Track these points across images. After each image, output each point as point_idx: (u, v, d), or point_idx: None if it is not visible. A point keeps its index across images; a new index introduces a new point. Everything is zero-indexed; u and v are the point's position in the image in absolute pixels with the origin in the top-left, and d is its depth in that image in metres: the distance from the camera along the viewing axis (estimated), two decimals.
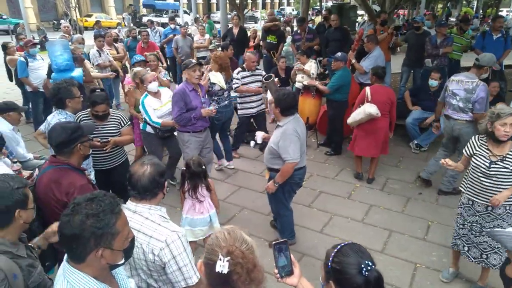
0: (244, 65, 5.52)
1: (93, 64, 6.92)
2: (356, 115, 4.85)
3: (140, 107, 4.34)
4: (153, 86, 4.31)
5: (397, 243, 3.83)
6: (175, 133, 4.50)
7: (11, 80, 7.36)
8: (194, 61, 4.23)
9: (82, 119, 3.58)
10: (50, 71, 5.73)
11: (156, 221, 1.89)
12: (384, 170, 5.39)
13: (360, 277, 1.34)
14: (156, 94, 4.38)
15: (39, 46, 6.92)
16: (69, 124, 2.45)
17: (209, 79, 4.93)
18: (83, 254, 1.33)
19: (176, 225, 1.94)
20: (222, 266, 1.24)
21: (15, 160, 3.74)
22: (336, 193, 4.78)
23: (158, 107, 4.35)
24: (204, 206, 3.36)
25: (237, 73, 5.48)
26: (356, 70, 6.32)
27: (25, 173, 3.48)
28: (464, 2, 35.47)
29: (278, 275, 1.56)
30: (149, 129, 4.49)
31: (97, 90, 3.65)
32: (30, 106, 6.94)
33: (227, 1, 11.08)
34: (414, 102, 6.11)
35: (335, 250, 1.45)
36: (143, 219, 1.89)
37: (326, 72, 7.45)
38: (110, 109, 3.70)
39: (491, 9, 33.19)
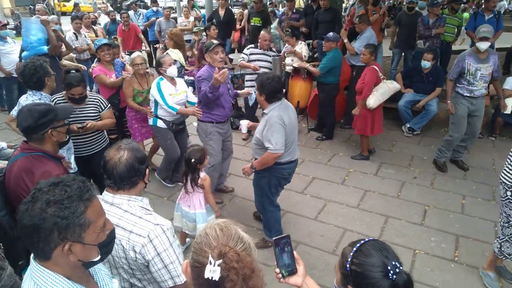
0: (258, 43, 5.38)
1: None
2: (381, 96, 4.75)
3: (154, 90, 3.88)
4: (172, 70, 3.90)
5: (394, 229, 3.69)
6: (195, 124, 4.06)
7: None
8: (215, 41, 3.73)
9: (58, 102, 3.29)
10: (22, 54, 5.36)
11: (137, 214, 1.64)
12: (378, 155, 5.24)
13: (387, 281, 1.12)
14: (172, 81, 3.99)
15: (14, 32, 6.53)
16: (38, 107, 2.13)
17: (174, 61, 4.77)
18: (47, 250, 1.09)
19: (161, 217, 1.70)
20: (213, 271, 0.97)
21: None
22: (330, 179, 4.60)
23: (173, 94, 3.95)
24: (192, 201, 3.16)
25: (247, 49, 5.38)
26: (347, 52, 6.09)
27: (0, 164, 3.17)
28: None
29: (280, 274, 1.32)
30: (160, 123, 4.05)
31: (72, 71, 3.34)
32: (4, 92, 6.54)
33: None
34: (406, 84, 5.95)
35: (354, 249, 1.21)
36: (121, 211, 1.65)
37: (315, 55, 7.22)
38: (88, 92, 3.42)
39: None
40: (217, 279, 0.97)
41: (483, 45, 4.13)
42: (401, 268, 1.14)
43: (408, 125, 5.84)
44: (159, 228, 1.61)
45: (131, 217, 1.63)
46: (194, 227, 3.19)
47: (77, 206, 1.10)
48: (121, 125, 4.51)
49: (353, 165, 4.97)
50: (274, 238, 1.33)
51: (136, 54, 4.30)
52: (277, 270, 1.33)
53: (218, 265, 0.98)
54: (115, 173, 1.64)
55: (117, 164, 1.64)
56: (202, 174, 3.15)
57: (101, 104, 3.45)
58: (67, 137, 2.31)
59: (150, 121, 4.10)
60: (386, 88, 4.77)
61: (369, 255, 1.18)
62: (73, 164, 3.25)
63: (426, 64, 5.57)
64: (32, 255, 1.16)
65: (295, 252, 1.35)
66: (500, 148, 5.37)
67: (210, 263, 0.98)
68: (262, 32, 5.42)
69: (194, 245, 1.07)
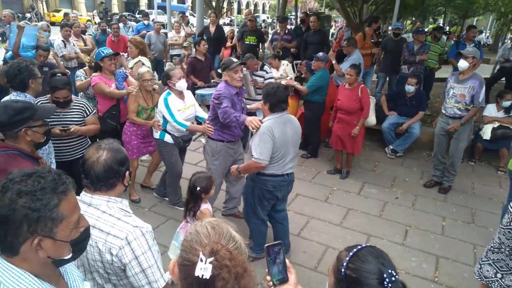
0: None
1: (57, 55, 6.44)
2: (373, 114, 5.23)
3: (161, 106, 3.67)
4: (182, 84, 3.71)
5: None
6: (202, 140, 3.88)
7: None
8: (235, 60, 3.54)
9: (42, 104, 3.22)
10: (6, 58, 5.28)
11: (115, 215, 1.59)
12: (361, 175, 5.28)
13: None
14: (180, 95, 3.79)
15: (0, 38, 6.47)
16: (15, 104, 2.08)
17: (143, 63, 4.88)
18: (15, 244, 1.02)
19: (140, 220, 1.65)
20: (204, 269, 0.93)
21: None
22: (313, 196, 4.60)
23: (182, 108, 3.75)
24: None
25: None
26: (334, 72, 6.22)
27: None
28: (431, 20, 36.99)
29: (271, 283, 1.28)
30: (167, 138, 3.81)
31: (58, 74, 3.29)
32: None
33: (204, 2, 10.84)
34: (390, 107, 6.08)
35: (350, 253, 1.18)
36: (99, 212, 1.59)
37: (302, 75, 7.33)
38: (73, 96, 3.36)
39: (455, 27, 34.76)
40: (208, 277, 0.93)
41: (462, 64, 4.30)
42: (397, 277, 1.11)
43: (391, 147, 5.93)
44: (138, 231, 1.56)
45: (109, 218, 1.58)
46: None
47: (50, 198, 1.04)
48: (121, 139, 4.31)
49: (337, 184, 4.99)
50: (266, 245, 1.29)
51: (145, 69, 4.11)
52: (268, 278, 1.29)
53: (210, 262, 0.93)
54: (92, 173, 1.59)
55: (95, 164, 1.59)
56: (204, 206, 2.85)
57: (86, 109, 3.39)
58: (45, 138, 2.25)
59: (157, 135, 3.86)
60: (372, 104, 4.99)
61: (366, 261, 1.15)
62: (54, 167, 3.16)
63: (410, 88, 5.72)
64: None
65: (287, 261, 1.31)
66: (479, 173, 5.49)
67: (201, 261, 0.93)
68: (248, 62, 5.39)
69: (184, 243, 1.02)
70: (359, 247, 1.20)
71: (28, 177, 1.06)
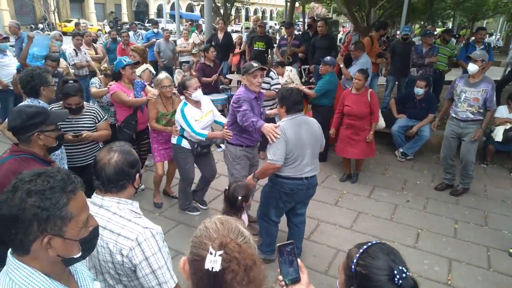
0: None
1: (69, 64, 6.58)
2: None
3: (179, 116, 3.68)
4: (198, 94, 3.68)
5: None
6: (223, 147, 3.81)
7: None
8: (255, 64, 3.46)
9: None
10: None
11: (126, 217, 1.61)
12: (371, 178, 5.25)
13: (392, 285, 1.09)
14: (196, 104, 3.76)
15: (14, 49, 6.66)
16: (29, 109, 2.13)
17: (150, 71, 5.05)
18: (26, 242, 1.04)
19: (150, 221, 1.67)
20: (214, 261, 0.94)
21: None
22: (323, 200, 4.58)
23: (199, 118, 3.72)
24: None
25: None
26: (342, 77, 6.22)
27: None
28: (440, 23, 36.78)
29: (283, 282, 1.28)
30: (184, 143, 3.81)
31: (70, 81, 3.36)
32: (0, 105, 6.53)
33: (212, 10, 10.97)
34: (399, 110, 6.05)
35: (361, 250, 1.18)
36: (110, 214, 1.61)
37: (311, 80, 7.35)
38: (85, 103, 3.42)
39: (465, 30, 34.52)
40: (217, 270, 0.94)
41: (471, 67, 4.26)
42: (407, 273, 1.11)
43: (401, 150, 5.89)
44: (148, 232, 1.58)
45: (119, 219, 1.60)
46: None
47: (59, 197, 1.06)
48: (139, 148, 4.38)
49: (346, 187, 4.96)
50: (278, 245, 1.30)
51: (164, 75, 4.06)
52: (280, 277, 1.29)
53: (219, 255, 0.95)
54: (103, 175, 1.62)
55: (106, 166, 1.62)
56: (244, 217, 2.79)
57: (97, 115, 3.44)
58: (57, 142, 2.29)
59: (174, 140, 3.85)
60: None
61: (376, 257, 1.15)
62: None
63: (419, 91, 5.69)
64: (9, 250, 1.11)
65: (299, 260, 1.31)
66: (492, 175, 5.42)
67: (211, 254, 0.95)
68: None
69: (193, 239, 1.03)
70: (369, 244, 1.20)
71: (37, 176, 1.08)
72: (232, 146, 3.65)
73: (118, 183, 1.64)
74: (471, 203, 4.63)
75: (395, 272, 1.10)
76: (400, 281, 1.09)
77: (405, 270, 1.11)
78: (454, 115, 4.57)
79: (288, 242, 1.30)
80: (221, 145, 3.76)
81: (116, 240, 1.56)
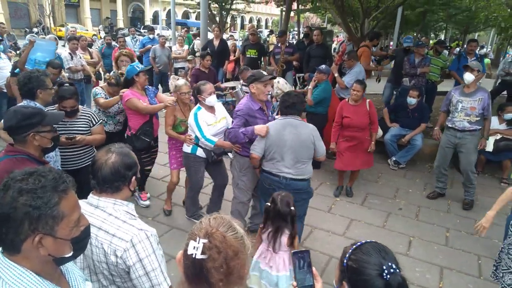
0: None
1: (64, 67, 6.56)
2: None
3: (191, 120, 3.60)
4: (212, 99, 3.61)
5: None
6: (231, 156, 3.72)
7: None
8: (266, 73, 3.44)
9: None
10: (14, 69, 5.38)
11: (121, 218, 1.62)
12: (364, 186, 5.28)
13: (380, 280, 1.12)
14: (210, 109, 3.69)
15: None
16: (24, 109, 2.13)
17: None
18: (17, 242, 1.04)
19: (145, 223, 1.68)
20: (196, 248, 1.00)
21: None
22: (316, 207, 4.59)
23: (213, 123, 3.65)
24: (276, 262, 2.65)
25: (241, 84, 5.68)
26: (336, 85, 6.28)
27: None
28: (432, 35, 37.37)
29: None
30: (199, 152, 3.71)
31: (66, 84, 3.36)
32: None
33: (208, 18, 11.04)
34: (392, 119, 6.12)
35: (354, 246, 1.24)
36: (106, 215, 1.62)
37: (306, 88, 7.41)
38: (80, 106, 3.42)
39: (456, 42, 35.15)
40: (198, 256, 0.99)
41: (468, 77, 4.35)
42: (397, 270, 1.14)
43: (394, 158, 5.94)
44: (143, 234, 1.58)
45: (115, 220, 1.61)
46: None
47: (51, 196, 1.07)
48: (150, 155, 4.33)
49: (340, 194, 4.98)
50: (293, 251, 1.34)
51: (182, 81, 3.98)
52: (294, 283, 1.30)
53: (203, 243, 1.01)
54: (99, 175, 1.63)
55: (103, 166, 1.63)
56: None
57: (92, 119, 3.44)
58: (52, 143, 2.29)
59: (188, 149, 3.75)
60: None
61: (367, 253, 1.19)
62: None
63: (412, 100, 5.76)
64: (0, 249, 1.11)
65: (313, 268, 1.32)
66: (483, 185, 5.47)
67: (194, 241, 1.01)
68: (240, 73, 5.55)
69: (188, 233, 1.09)
70: (363, 242, 1.24)
71: (29, 175, 1.08)
72: (241, 157, 3.60)
73: (113, 184, 1.64)
74: (462, 212, 4.68)
75: (384, 267, 1.13)
76: (388, 276, 1.12)
77: (394, 267, 1.14)
78: (450, 125, 4.60)
79: (303, 249, 1.34)
80: (229, 154, 3.70)
81: (110, 241, 1.56)
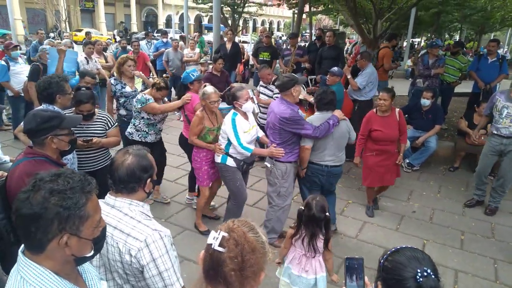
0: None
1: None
2: None
3: (228, 127, 3.47)
4: (249, 105, 3.53)
5: None
6: (267, 164, 3.66)
7: None
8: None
9: None
10: (32, 74, 5.50)
11: (136, 218, 1.66)
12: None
13: (413, 282, 1.13)
14: (245, 115, 3.60)
15: (25, 57, 6.73)
16: (44, 112, 2.20)
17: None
18: (44, 241, 1.07)
19: (160, 224, 1.71)
20: (215, 238, 1.05)
21: None
22: None
23: (248, 129, 3.56)
24: (312, 265, 2.63)
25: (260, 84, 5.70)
26: (348, 87, 6.26)
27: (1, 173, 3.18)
28: (447, 36, 36.85)
29: None
30: (230, 162, 3.59)
31: (82, 89, 3.43)
32: (11, 111, 6.65)
33: (220, 20, 11.13)
34: (406, 121, 6.04)
35: (393, 249, 1.26)
36: (122, 214, 1.66)
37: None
38: (96, 110, 3.48)
39: (472, 43, 34.59)
40: (216, 247, 1.03)
41: None
42: (431, 275, 1.14)
43: (408, 161, 5.88)
44: (157, 234, 1.62)
45: (130, 220, 1.64)
46: None
47: (80, 197, 1.11)
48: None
49: (352, 197, 4.96)
50: (346, 257, 1.35)
51: (211, 89, 3.74)
52: None
53: (223, 235, 1.05)
54: (116, 175, 1.68)
55: (120, 167, 1.67)
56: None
57: (108, 122, 3.50)
58: (70, 146, 2.34)
59: (218, 159, 3.63)
60: None
61: (404, 255, 1.22)
62: None
63: (425, 102, 5.70)
64: (21, 248, 1.14)
65: (366, 278, 1.31)
66: None
67: (216, 231, 1.07)
68: (259, 71, 5.55)
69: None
70: (404, 246, 1.26)
71: (57, 177, 1.12)
72: (283, 164, 3.56)
73: (128, 185, 1.68)
74: (478, 214, 4.61)
75: (418, 270, 1.15)
76: (421, 279, 1.13)
77: (429, 271, 1.14)
78: (495, 132, 4.38)
79: (357, 257, 1.34)
80: (266, 163, 3.65)
81: (125, 240, 1.60)
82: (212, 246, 1.04)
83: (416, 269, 1.15)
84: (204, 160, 3.84)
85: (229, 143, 3.56)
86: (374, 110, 4.38)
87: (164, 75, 4.33)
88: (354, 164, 4.59)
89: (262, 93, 5.65)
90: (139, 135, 4.16)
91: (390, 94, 4.17)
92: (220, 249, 1.04)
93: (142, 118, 4.10)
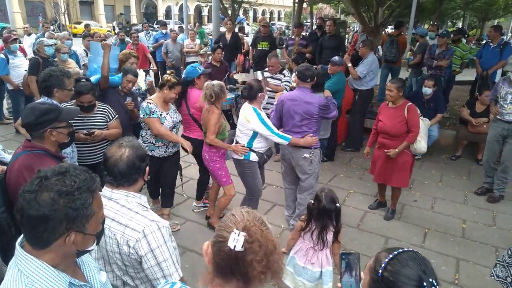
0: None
1: (79, 64, 6.67)
2: (425, 136, 4.19)
3: (255, 123, 3.40)
4: (264, 98, 3.59)
5: None
6: (306, 155, 3.59)
7: None
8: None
9: None
10: (32, 68, 5.47)
11: (134, 209, 1.65)
12: None
13: None
14: (259, 107, 3.59)
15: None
16: (41, 105, 2.18)
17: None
18: (50, 240, 1.08)
19: (157, 215, 1.71)
20: (236, 240, 0.99)
21: None
22: None
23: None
24: (319, 258, 2.61)
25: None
26: (349, 75, 6.21)
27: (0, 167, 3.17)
28: (449, 23, 36.44)
29: None
30: (253, 157, 3.55)
31: (82, 80, 3.42)
32: (11, 105, 6.65)
33: (220, 11, 11.03)
34: None
35: (391, 255, 1.13)
36: (119, 206, 1.66)
37: None
38: (96, 101, 3.45)
39: (475, 30, 34.21)
40: (239, 248, 0.99)
41: None
42: (437, 287, 1.06)
43: None
44: (155, 225, 1.61)
45: (127, 212, 1.64)
46: (315, 286, 2.66)
47: (87, 197, 1.12)
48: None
49: (354, 186, 4.96)
50: (341, 252, 1.30)
51: (222, 83, 3.63)
52: (339, 285, 1.26)
53: (243, 235, 1.00)
54: (116, 170, 1.66)
55: (118, 162, 1.66)
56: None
57: (109, 114, 3.47)
58: (68, 138, 2.33)
59: (239, 155, 3.56)
60: (423, 127, 4.08)
61: (406, 265, 1.09)
62: None
63: (427, 90, 5.64)
64: (18, 241, 1.14)
65: (362, 273, 1.25)
66: None
67: (235, 233, 1.01)
68: (268, 59, 5.42)
69: (220, 224, 1.09)
70: (400, 250, 1.14)
71: (62, 175, 1.11)
72: (317, 150, 3.69)
73: (131, 177, 1.69)
74: (479, 203, 4.60)
75: (425, 284, 1.05)
76: None
77: (435, 283, 1.06)
78: (499, 117, 4.44)
79: (352, 252, 1.29)
80: (306, 154, 3.61)
81: (123, 231, 1.60)
82: (235, 249, 0.99)
83: (422, 281, 1.05)
84: (222, 157, 3.72)
85: (252, 138, 3.53)
86: (387, 102, 4.09)
87: (168, 71, 3.94)
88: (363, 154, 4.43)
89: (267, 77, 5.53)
90: (145, 147, 3.57)
91: (396, 85, 3.84)
92: (242, 249, 1.00)
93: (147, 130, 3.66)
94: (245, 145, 3.55)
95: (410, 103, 3.93)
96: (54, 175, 1.11)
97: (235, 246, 0.99)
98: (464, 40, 10.46)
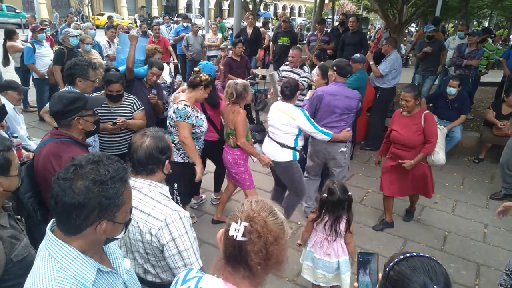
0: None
1: (102, 55, 6.77)
2: (443, 146, 3.78)
3: (301, 122, 3.38)
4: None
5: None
6: (343, 149, 3.68)
7: (4, 65, 6.92)
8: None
9: None
10: (57, 58, 5.58)
11: (156, 198, 1.68)
12: None
13: None
14: None
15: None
16: (68, 94, 2.22)
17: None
18: (82, 227, 1.10)
19: (178, 205, 1.72)
20: (237, 230, 1.02)
21: (15, 135, 3.51)
22: None
23: None
24: (334, 249, 2.62)
25: (281, 66, 5.47)
26: (371, 73, 6.11)
27: (27, 154, 3.25)
28: (475, 22, 35.43)
29: None
30: (297, 156, 3.56)
31: (112, 70, 3.46)
32: (35, 93, 6.81)
33: (241, 5, 11.00)
34: (430, 110, 5.86)
35: (402, 256, 1.11)
36: (141, 195, 1.68)
37: None
38: (124, 92, 3.47)
39: (502, 30, 33.12)
40: (239, 238, 1.01)
41: None
42: None
43: None
44: (177, 214, 1.63)
45: (150, 201, 1.66)
46: (335, 278, 2.69)
47: (119, 187, 1.13)
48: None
49: (372, 186, 4.88)
50: (359, 252, 1.29)
51: (242, 81, 3.52)
52: (356, 284, 1.25)
53: (244, 226, 1.02)
54: (134, 157, 1.70)
55: (138, 149, 1.70)
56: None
57: (135, 105, 3.49)
58: (94, 127, 2.37)
59: (288, 157, 3.50)
60: (440, 136, 3.71)
61: (413, 268, 1.06)
62: None
63: (451, 90, 5.49)
64: (49, 226, 1.16)
65: (380, 274, 1.23)
66: None
67: (236, 223, 1.03)
68: (291, 50, 5.32)
69: (231, 213, 1.11)
70: (415, 254, 1.11)
71: (96, 165, 1.13)
72: (350, 143, 3.86)
73: (147, 167, 1.71)
74: None
75: None
76: None
77: None
78: None
79: (371, 252, 1.28)
80: (343, 149, 3.72)
81: (146, 220, 1.62)
82: (235, 238, 1.01)
83: (425, 286, 1.02)
84: (246, 160, 3.59)
85: (297, 137, 3.51)
86: (401, 109, 3.73)
87: (195, 68, 3.69)
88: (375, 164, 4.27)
89: (284, 76, 5.49)
90: (180, 154, 3.29)
91: (413, 94, 3.49)
92: (243, 239, 1.02)
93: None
94: (292, 145, 3.49)
95: (427, 111, 3.61)
96: (89, 164, 1.12)
97: (236, 236, 1.02)
98: (490, 40, 10.15)
